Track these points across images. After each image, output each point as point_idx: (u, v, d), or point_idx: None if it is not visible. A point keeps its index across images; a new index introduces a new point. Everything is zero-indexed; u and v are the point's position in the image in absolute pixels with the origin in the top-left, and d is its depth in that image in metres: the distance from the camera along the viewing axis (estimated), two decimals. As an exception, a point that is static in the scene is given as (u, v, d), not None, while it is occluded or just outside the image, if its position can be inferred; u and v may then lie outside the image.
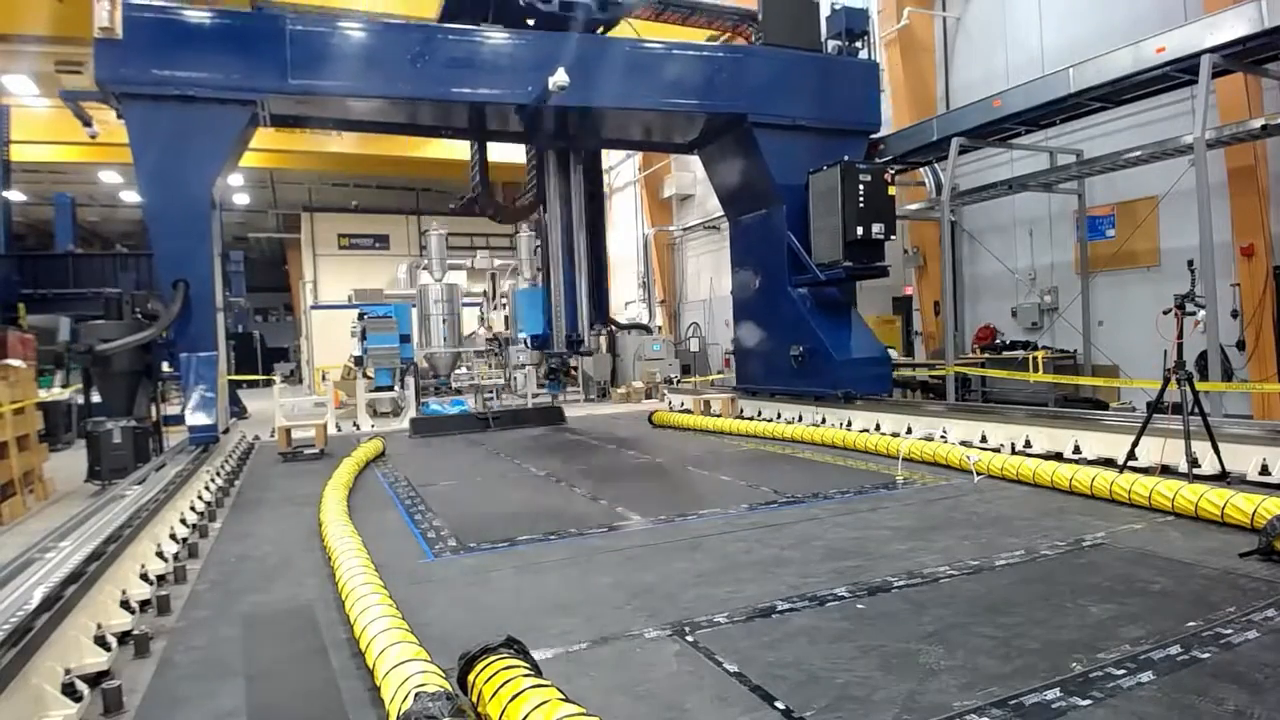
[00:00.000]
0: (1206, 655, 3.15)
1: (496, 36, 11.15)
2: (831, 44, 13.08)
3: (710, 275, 23.71)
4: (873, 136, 13.32)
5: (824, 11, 13.25)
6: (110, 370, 9.53)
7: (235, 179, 36.20)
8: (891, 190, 11.65)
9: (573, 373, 15.73)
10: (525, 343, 14.91)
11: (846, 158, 11.59)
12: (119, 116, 10.00)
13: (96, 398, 10.11)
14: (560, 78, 10.20)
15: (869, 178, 11.40)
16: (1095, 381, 11.70)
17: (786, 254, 12.45)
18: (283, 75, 10.20)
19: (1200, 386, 7.07)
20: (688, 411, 13.11)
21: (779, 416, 12.03)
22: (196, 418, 9.59)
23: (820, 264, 11.89)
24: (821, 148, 12.14)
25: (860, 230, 11.26)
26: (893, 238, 11.82)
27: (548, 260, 13.51)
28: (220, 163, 10.42)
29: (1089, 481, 5.80)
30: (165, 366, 10.42)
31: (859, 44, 13.18)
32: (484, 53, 11.06)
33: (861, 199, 11.30)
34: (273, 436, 12.78)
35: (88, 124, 11.63)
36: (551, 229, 13.28)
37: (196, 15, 10.02)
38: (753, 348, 13.90)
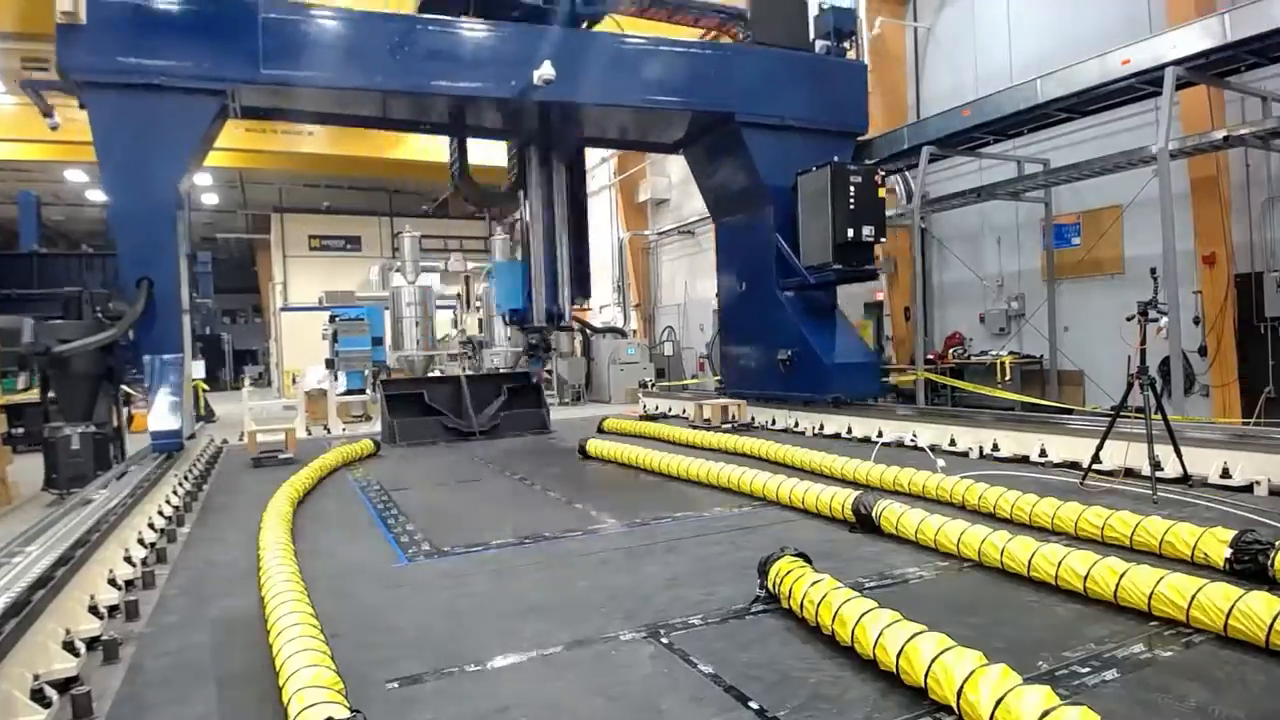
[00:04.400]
0: (1169, 654, 3.23)
1: (478, 28, 10.92)
2: (819, 44, 12.90)
3: (685, 279, 23.80)
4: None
5: (812, 11, 13.08)
6: (69, 373, 8.98)
7: (204, 179, 35.68)
8: (882, 192, 11.49)
9: (554, 350, 14.59)
10: (504, 318, 14.36)
11: (836, 159, 11.45)
12: (81, 107, 9.59)
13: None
14: (546, 71, 10.02)
15: (859, 179, 11.23)
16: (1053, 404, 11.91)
17: (774, 256, 12.29)
18: (255, 65, 9.83)
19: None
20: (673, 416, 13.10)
21: (773, 423, 11.90)
22: (160, 423, 9.09)
23: (809, 266, 11.73)
24: (810, 149, 11.95)
25: (850, 232, 11.10)
26: (883, 240, 11.65)
27: (527, 237, 13.21)
28: (188, 156, 10.08)
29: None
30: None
31: (847, 44, 13.04)
32: (465, 45, 10.83)
33: (852, 201, 11.12)
34: (242, 440, 12.65)
35: (49, 115, 11.08)
36: (532, 203, 13.04)
37: (165, 0, 9.63)
38: (740, 351, 13.76)
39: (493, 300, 16.09)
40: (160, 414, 9.16)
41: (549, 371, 18.10)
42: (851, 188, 11.16)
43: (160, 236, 9.76)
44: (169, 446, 9.03)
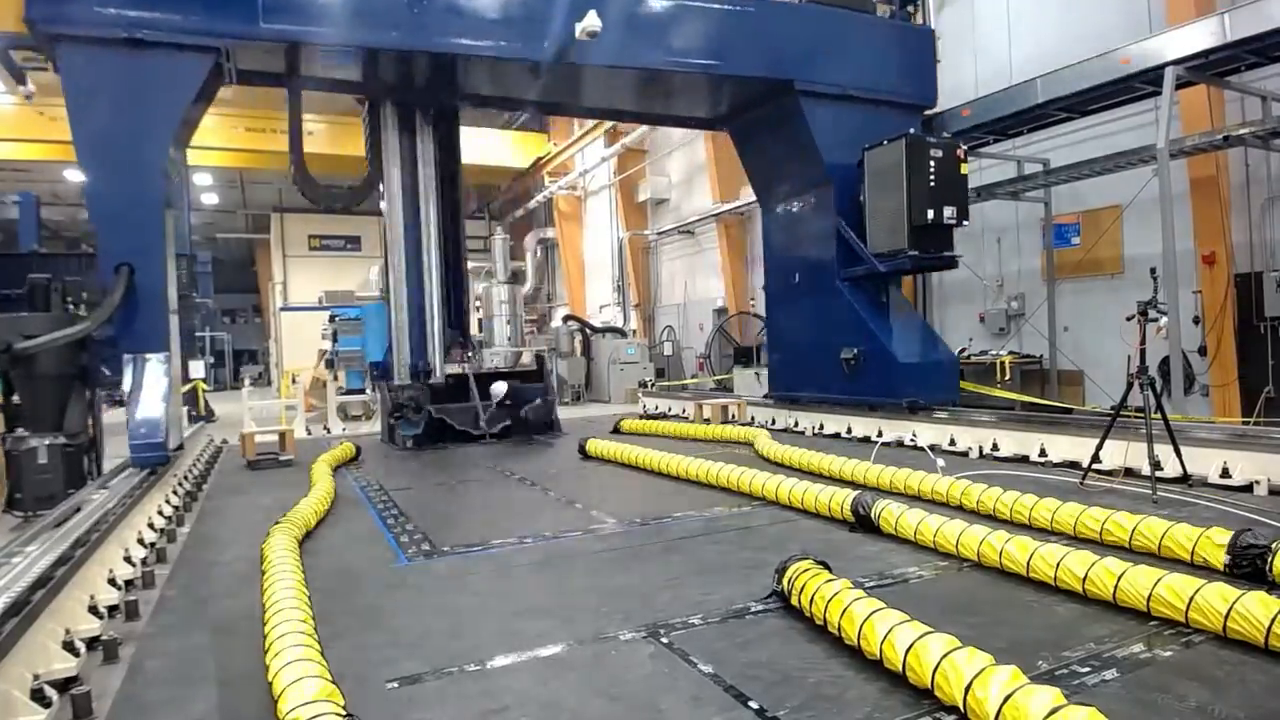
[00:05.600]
0: (1169, 653, 3.24)
1: None
2: (881, 8, 11.72)
3: (685, 279, 23.81)
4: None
5: None
6: (34, 374, 7.62)
7: (204, 178, 35.60)
8: (964, 169, 10.23)
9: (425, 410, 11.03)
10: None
11: (911, 131, 10.32)
12: (55, 69, 8.32)
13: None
14: (591, 21, 8.82)
15: (940, 153, 9.93)
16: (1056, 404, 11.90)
17: (836, 242, 10.98)
18: (253, 18, 8.58)
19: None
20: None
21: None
22: (140, 434, 7.71)
23: (878, 253, 10.45)
24: (875, 122, 10.80)
25: (931, 213, 9.85)
26: (965, 223, 10.39)
27: (387, 262, 11.29)
28: (176, 124, 8.71)
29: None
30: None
31: (911, 7, 11.96)
32: None
33: (932, 177, 9.84)
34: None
35: (22, 82, 10.03)
36: (391, 216, 11.06)
37: None
38: (791, 350, 12.43)
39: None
40: (141, 423, 7.81)
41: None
42: (931, 163, 9.89)
43: (143, 216, 8.42)
44: (152, 461, 7.63)
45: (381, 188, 11.35)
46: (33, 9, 7.95)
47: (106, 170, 8.33)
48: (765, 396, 12.94)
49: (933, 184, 9.89)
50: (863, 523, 5.35)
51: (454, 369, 11.42)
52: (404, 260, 11.06)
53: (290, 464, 9.52)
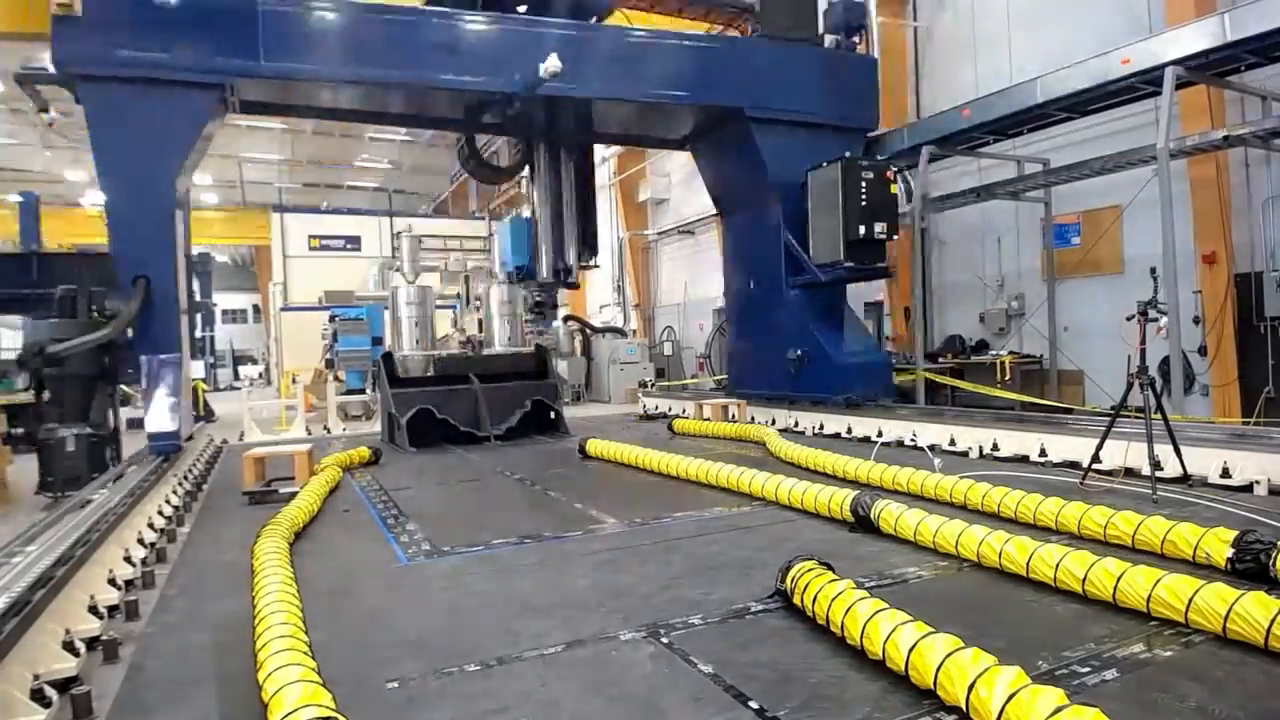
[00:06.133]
0: (1169, 653, 3.24)
1: (483, 21, 10.87)
2: (829, 39, 12.80)
3: (684, 279, 23.81)
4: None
5: (821, 5, 12.99)
6: (64, 373, 8.88)
7: (204, 178, 35.63)
8: (894, 189, 11.32)
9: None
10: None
11: (848, 154, 11.30)
12: (77, 101, 9.44)
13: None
14: (553, 64, 9.81)
15: (871, 175, 11.03)
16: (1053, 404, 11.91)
17: (784, 254, 12.14)
18: (255, 56, 9.74)
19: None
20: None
21: (772, 422, 11.36)
22: (157, 425, 8.91)
23: (820, 264, 11.55)
24: (819, 145, 11.85)
25: (862, 229, 10.92)
26: (894, 238, 11.46)
27: (534, 202, 13.23)
28: (186, 151, 9.88)
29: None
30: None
31: (856, 39, 12.87)
32: (469, 38, 10.77)
33: (864, 197, 10.93)
34: (241, 440, 12.66)
35: (45, 110, 10.99)
36: (538, 172, 13.07)
37: None
38: (747, 351, 13.52)
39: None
40: (158, 415, 8.98)
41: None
42: (863, 184, 10.97)
43: (158, 234, 9.64)
44: (167, 449, 8.83)
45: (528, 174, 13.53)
46: (60, 52, 9.09)
47: (124, 191, 9.44)
48: (713, 390, 14.34)
49: (863, 203, 10.97)
50: (862, 523, 5.35)
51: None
52: (547, 195, 13.06)
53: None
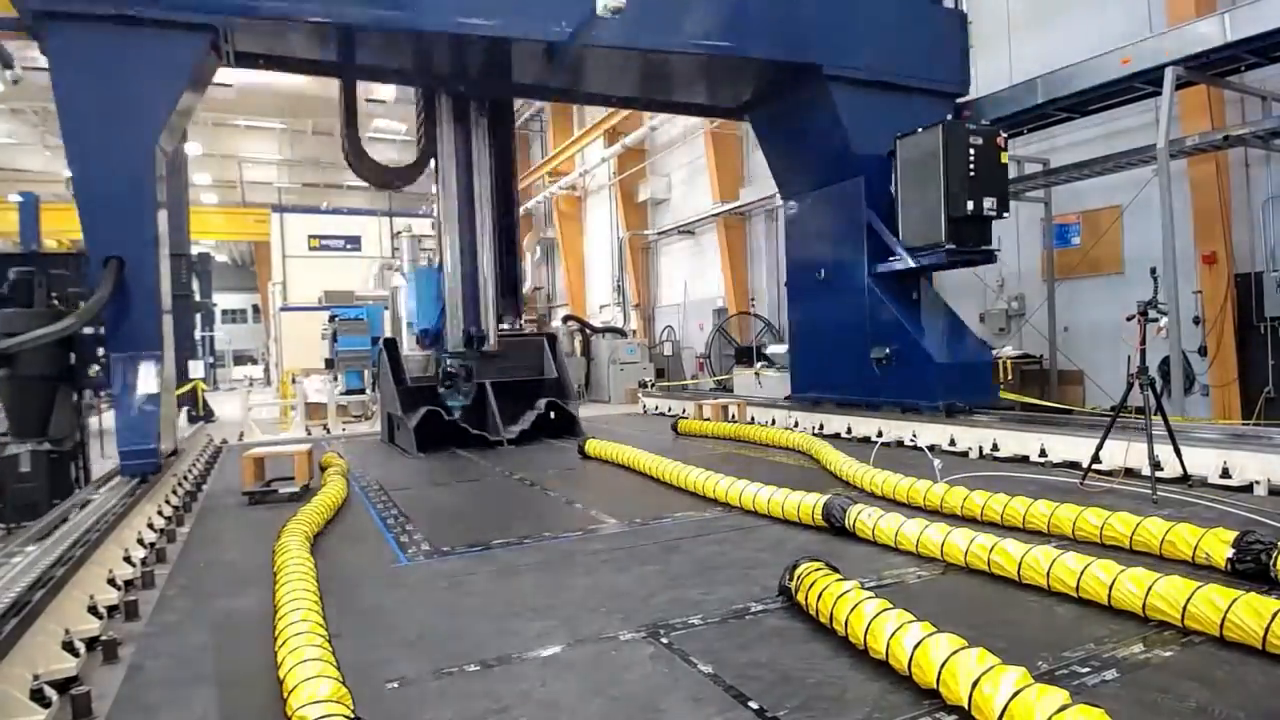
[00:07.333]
0: (1169, 654, 3.24)
1: None
2: None
3: (684, 279, 23.82)
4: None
5: None
6: (16, 374, 7.12)
7: (203, 178, 35.56)
8: (1004, 158, 9.66)
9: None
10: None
11: (949, 118, 9.85)
12: (41, 50, 7.70)
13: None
14: None
15: (980, 140, 9.40)
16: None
17: (865, 236, 10.44)
18: None
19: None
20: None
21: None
22: (130, 440, 7.12)
23: (911, 247, 9.90)
24: (905, 110, 10.25)
25: (970, 205, 9.31)
26: (1005, 215, 9.77)
27: (441, 233, 11.02)
28: (170, 107, 7.95)
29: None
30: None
31: None
32: None
33: (972, 166, 9.32)
34: (242, 439, 12.64)
35: (9, 66, 9.55)
36: (444, 190, 10.85)
37: None
38: (815, 350, 11.79)
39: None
40: (130, 428, 7.21)
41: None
42: (971, 150, 9.34)
43: (134, 206, 7.80)
44: (142, 469, 7.06)
45: (433, 163, 11.17)
46: None
47: (95, 159, 7.69)
48: (786, 399, 12.47)
49: (972, 173, 9.37)
50: (838, 533, 5.26)
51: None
52: (458, 228, 10.89)
53: (304, 494, 7.20)
